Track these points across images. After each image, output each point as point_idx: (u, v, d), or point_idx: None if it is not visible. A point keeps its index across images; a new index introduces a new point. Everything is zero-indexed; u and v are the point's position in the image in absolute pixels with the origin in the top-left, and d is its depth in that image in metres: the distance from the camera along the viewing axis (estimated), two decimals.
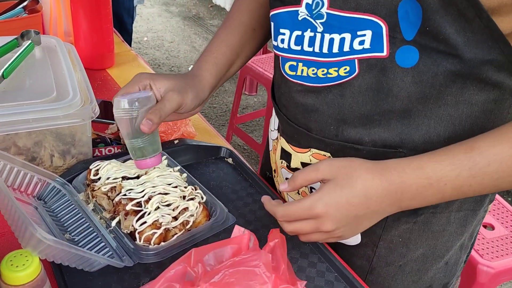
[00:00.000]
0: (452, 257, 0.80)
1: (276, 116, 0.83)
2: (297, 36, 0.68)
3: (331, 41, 0.64)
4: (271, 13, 0.71)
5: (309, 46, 0.67)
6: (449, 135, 0.65)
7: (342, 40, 0.63)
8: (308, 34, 0.67)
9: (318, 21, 0.64)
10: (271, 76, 2.28)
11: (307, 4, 0.64)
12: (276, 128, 0.83)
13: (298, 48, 0.68)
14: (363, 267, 0.79)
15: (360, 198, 0.61)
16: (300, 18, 0.66)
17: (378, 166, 0.62)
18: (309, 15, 0.65)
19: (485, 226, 1.51)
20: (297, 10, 0.66)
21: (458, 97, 0.63)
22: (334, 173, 0.63)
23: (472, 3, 0.54)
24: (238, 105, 2.58)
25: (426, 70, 0.61)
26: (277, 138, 0.83)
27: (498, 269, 1.36)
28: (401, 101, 0.64)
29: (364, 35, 0.62)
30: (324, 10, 0.63)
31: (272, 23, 0.72)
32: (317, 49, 0.66)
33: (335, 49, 0.64)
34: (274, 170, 0.88)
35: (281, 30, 0.70)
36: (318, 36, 0.65)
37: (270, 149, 0.89)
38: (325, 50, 0.65)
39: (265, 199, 0.69)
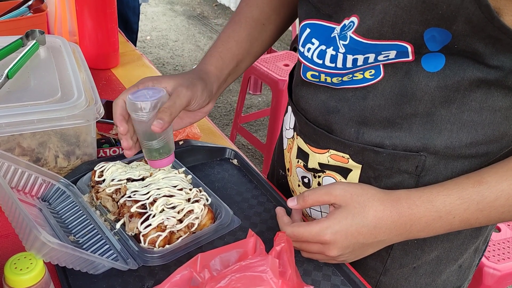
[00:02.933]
0: (466, 261, 0.80)
1: (291, 115, 0.82)
2: (320, 50, 0.67)
3: (355, 60, 0.63)
4: (310, 22, 0.69)
5: (331, 62, 0.66)
6: (471, 140, 0.65)
7: (366, 58, 0.63)
8: (330, 51, 0.65)
9: (341, 42, 0.63)
10: (276, 75, 2.29)
11: (344, 24, 0.63)
12: (292, 127, 0.83)
13: (320, 62, 0.68)
14: (377, 268, 0.78)
15: (370, 228, 0.63)
16: (331, 35, 0.65)
17: (390, 197, 0.64)
18: (338, 34, 0.64)
19: None
20: (334, 28, 0.65)
21: (482, 103, 0.62)
22: (347, 200, 0.64)
23: (504, 31, 0.53)
24: (243, 104, 2.57)
25: (452, 75, 0.60)
26: (292, 137, 0.82)
27: (504, 272, 1.35)
28: (425, 105, 0.63)
29: (389, 54, 0.61)
30: (349, 33, 0.61)
31: (307, 30, 0.69)
32: (339, 65, 0.65)
33: (360, 63, 0.64)
34: (288, 169, 0.87)
35: (313, 40, 0.68)
36: (340, 55, 0.64)
37: (284, 147, 0.88)
38: (348, 65, 0.65)
39: (280, 212, 0.71)
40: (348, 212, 0.63)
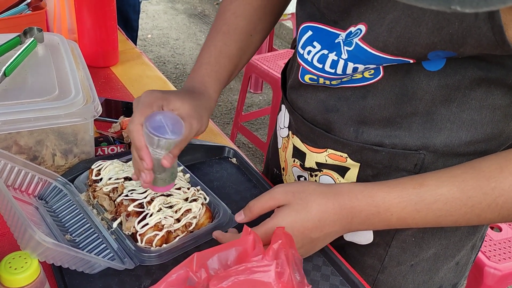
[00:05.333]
0: (463, 258, 0.79)
1: (285, 113, 0.81)
2: (322, 54, 0.66)
3: (355, 68, 0.63)
4: (312, 24, 0.68)
5: (331, 68, 0.65)
6: (470, 139, 0.65)
7: (367, 67, 0.63)
8: (332, 56, 0.65)
9: (346, 47, 0.62)
10: (277, 74, 2.29)
11: (350, 31, 0.62)
12: (287, 126, 0.82)
13: (320, 66, 0.67)
14: (374, 266, 0.78)
15: (315, 222, 0.63)
16: (336, 41, 0.64)
17: (332, 190, 0.64)
18: (343, 40, 0.63)
19: (492, 228, 1.49)
20: (339, 34, 0.64)
21: (482, 102, 0.62)
22: (289, 199, 0.64)
23: (504, 49, 0.53)
24: (243, 103, 2.57)
25: (453, 74, 0.60)
26: (287, 136, 0.82)
27: (505, 271, 1.35)
28: (425, 104, 0.63)
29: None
30: (356, 39, 0.61)
31: (309, 32, 0.68)
32: (339, 71, 0.65)
33: (360, 70, 0.63)
34: (283, 168, 0.87)
35: (314, 43, 0.68)
36: (342, 62, 0.64)
37: (279, 146, 0.88)
38: (348, 71, 0.64)
39: (218, 236, 0.68)
40: (291, 209, 0.63)
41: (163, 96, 0.68)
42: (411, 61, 0.58)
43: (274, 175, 0.94)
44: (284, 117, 0.83)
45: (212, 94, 0.77)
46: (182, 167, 0.82)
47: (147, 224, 0.68)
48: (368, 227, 0.65)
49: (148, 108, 0.66)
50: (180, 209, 0.71)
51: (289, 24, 4.09)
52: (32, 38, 0.96)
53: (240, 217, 0.68)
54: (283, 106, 0.84)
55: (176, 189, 0.74)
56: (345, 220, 0.63)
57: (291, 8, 3.08)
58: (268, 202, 0.66)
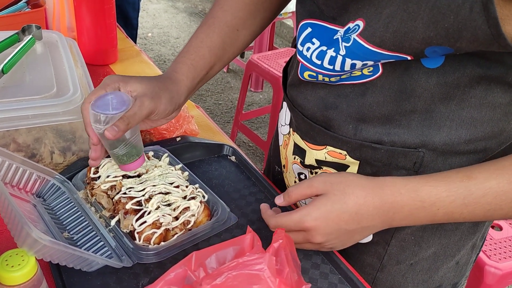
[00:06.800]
0: (463, 257, 0.79)
1: (286, 111, 0.81)
2: (321, 50, 0.66)
3: (353, 64, 0.63)
4: (312, 21, 0.68)
5: (330, 64, 0.65)
6: (470, 137, 0.64)
7: (365, 64, 0.62)
8: (330, 53, 0.64)
9: (344, 44, 0.62)
10: (277, 72, 2.28)
11: (348, 27, 0.61)
12: (288, 123, 0.82)
13: (319, 62, 0.67)
14: (374, 265, 0.78)
15: (351, 214, 0.62)
16: (334, 37, 0.64)
17: (373, 184, 0.63)
18: (342, 36, 0.63)
19: (492, 227, 1.49)
20: (338, 30, 0.64)
21: (482, 100, 0.61)
22: (327, 189, 0.64)
23: (509, 49, 0.52)
24: (244, 101, 2.56)
25: (452, 71, 0.60)
26: (288, 133, 0.82)
27: (506, 271, 1.34)
28: (424, 102, 0.63)
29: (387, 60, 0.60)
30: (354, 35, 0.60)
31: (308, 29, 0.68)
32: (337, 68, 0.65)
33: (358, 67, 0.63)
34: (284, 165, 0.86)
35: (313, 40, 0.67)
36: (340, 58, 0.63)
37: (280, 143, 0.87)
38: (347, 68, 0.64)
39: (263, 207, 0.71)
40: (328, 199, 0.63)
41: (121, 79, 0.69)
42: (409, 57, 0.58)
43: (275, 172, 0.94)
44: (285, 114, 0.83)
45: (182, 79, 0.75)
46: (180, 165, 0.82)
47: (145, 222, 0.67)
48: (411, 222, 0.64)
49: (102, 89, 0.68)
50: (178, 207, 0.70)
51: (290, 22, 4.09)
52: (31, 36, 0.96)
53: (279, 200, 0.69)
54: (284, 104, 0.84)
55: (174, 187, 0.74)
56: (386, 215, 0.63)
57: (292, 6, 3.08)
58: (306, 190, 0.66)
